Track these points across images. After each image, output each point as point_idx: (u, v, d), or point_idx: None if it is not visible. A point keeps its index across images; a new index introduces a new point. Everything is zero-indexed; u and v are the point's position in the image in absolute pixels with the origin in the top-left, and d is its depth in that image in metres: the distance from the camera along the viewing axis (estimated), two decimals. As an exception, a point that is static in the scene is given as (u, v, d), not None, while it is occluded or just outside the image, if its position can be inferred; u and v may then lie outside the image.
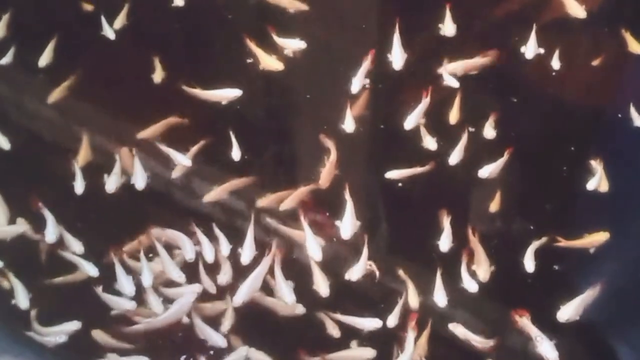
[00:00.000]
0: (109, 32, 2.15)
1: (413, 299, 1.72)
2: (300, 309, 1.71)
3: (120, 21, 2.17)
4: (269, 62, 2.09)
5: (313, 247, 1.77)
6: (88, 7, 2.21)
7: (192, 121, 2.01)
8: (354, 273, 1.75)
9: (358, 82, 2.03)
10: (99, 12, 2.17)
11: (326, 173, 1.88)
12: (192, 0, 2.21)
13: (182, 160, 1.94)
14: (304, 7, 2.18)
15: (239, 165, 1.94)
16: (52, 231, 1.83)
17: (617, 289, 1.75)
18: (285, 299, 1.70)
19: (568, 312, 1.70)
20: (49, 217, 1.84)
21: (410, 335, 1.66)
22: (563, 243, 1.80)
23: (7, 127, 2.03)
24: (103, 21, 2.16)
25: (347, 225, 1.80)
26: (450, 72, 2.05)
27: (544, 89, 2.07)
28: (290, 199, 1.85)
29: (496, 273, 1.76)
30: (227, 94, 2.03)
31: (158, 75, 2.09)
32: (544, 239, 1.79)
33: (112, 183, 1.91)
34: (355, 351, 1.68)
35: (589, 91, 2.12)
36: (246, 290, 1.69)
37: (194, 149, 1.96)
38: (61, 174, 1.94)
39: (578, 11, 2.13)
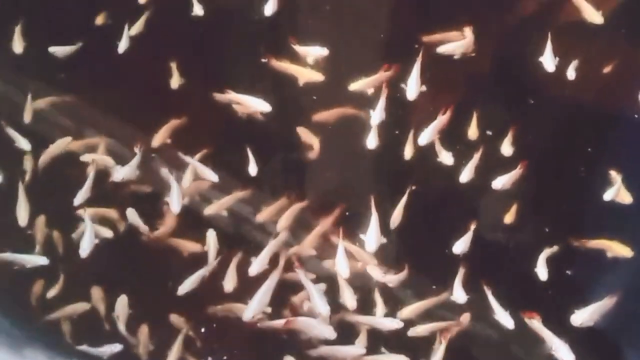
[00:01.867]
0: (124, 41, 2.12)
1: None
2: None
3: (137, 28, 2.16)
4: (308, 75, 2.05)
5: (342, 264, 1.78)
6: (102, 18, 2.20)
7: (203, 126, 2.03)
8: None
9: (378, 115, 1.98)
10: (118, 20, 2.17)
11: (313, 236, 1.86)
12: (211, 9, 2.20)
13: (210, 176, 1.93)
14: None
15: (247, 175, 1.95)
16: (87, 246, 1.82)
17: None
18: (320, 310, 1.71)
19: (582, 317, 1.73)
20: (89, 227, 1.83)
21: (442, 344, 1.70)
22: (579, 243, 1.82)
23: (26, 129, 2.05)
24: (125, 30, 2.14)
25: (372, 238, 1.81)
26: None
27: (561, 95, 2.06)
28: (287, 215, 1.87)
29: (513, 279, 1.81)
30: (257, 105, 1.99)
31: (175, 81, 2.09)
32: (555, 247, 1.81)
33: (122, 173, 1.90)
34: (389, 357, 1.71)
35: (606, 97, 2.09)
36: (256, 305, 1.71)
37: (198, 156, 1.96)
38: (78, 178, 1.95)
39: (594, 17, 2.09)
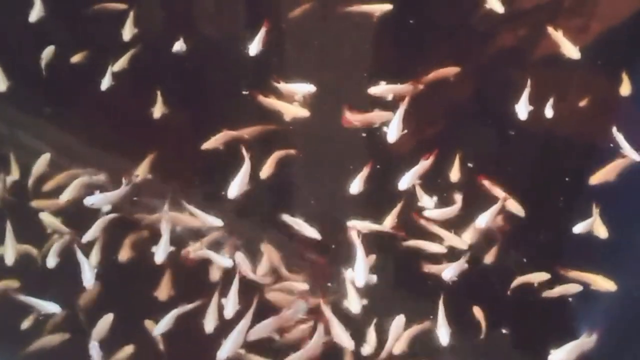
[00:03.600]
0: (107, 78, 2.15)
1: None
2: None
3: (120, 64, 2.19)
4: (294, 111, 2.06)
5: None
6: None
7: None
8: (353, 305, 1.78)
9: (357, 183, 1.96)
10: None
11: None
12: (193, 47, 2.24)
13: (214, 222, 1.90)
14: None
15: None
16: (89, 276, 1.81)
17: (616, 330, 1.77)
18: (344, 344, 1.71)
19: (559, 356, 1.71)
20: (84, 263, 1.83)
21: None
22: (564, 272, 1.81)
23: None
24: (108, 70, 2.17)
25: (361, 273, 1.80)
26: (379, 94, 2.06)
27: (539, 130, 2.07)
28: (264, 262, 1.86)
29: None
30: (237, 183, 1.94)
31: (158, 110, 2.09)
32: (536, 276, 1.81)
33: (93, 199, 1.89)
34: None
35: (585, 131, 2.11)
36: (230, 346, 1.69)
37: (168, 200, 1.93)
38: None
39: (572, 52, 2.14)
